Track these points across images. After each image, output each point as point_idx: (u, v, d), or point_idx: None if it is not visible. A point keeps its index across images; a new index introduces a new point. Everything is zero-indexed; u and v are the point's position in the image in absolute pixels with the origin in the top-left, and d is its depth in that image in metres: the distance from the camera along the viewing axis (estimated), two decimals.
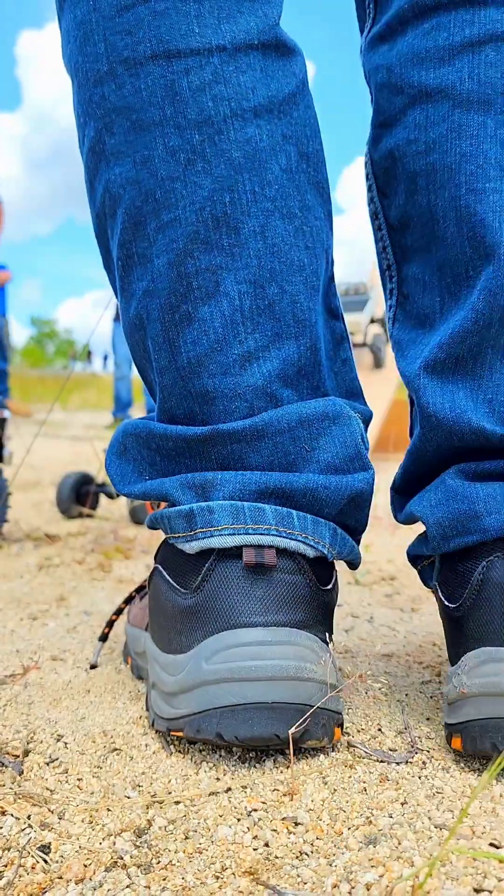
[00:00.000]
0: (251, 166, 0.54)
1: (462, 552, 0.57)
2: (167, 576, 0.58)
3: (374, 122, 0.63)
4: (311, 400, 0.58)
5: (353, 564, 0.63)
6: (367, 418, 0.63)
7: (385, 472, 2.85)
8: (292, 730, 0.48)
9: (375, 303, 3.31)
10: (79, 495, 1.82)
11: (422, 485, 0.63)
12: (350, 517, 0.60)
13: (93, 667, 0.74)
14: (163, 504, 0.62)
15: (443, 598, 0.59)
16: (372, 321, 3.29)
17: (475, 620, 0.53)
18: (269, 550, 0.53)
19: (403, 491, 0.68)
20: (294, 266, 0.57)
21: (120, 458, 0.63)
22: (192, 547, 0.55)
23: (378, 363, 3.26)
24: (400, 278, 0.65)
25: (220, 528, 0.54)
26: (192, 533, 0.55)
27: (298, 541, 0.54)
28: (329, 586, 0.58)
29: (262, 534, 0.53)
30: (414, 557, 0.68)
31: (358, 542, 0.63)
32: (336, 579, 0.60)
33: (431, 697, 0.67)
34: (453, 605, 0.56)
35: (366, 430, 0.62)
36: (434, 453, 0.61)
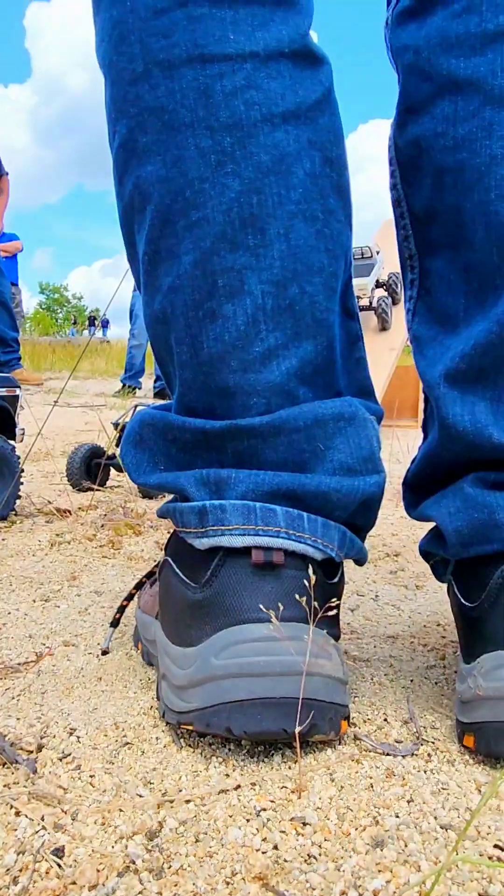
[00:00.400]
0: (278, 170, 0.55)
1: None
2: (177, 569, 0.59)
3: (401, 106, 0.61)
4: (327, 400, 0.58)
5: (360, 562, 0.64)
6: (379, 417, 0.63)
7: (388, 438, 2.85)
8: (298, 728, 0.49)
9: (381, 266, 3.33)
10: (89, 468, 1.83)
11: (436, 485, 0.63)
12: (360, 517, 0.60)
13: (104, 653, 0.75)
14: None
15: (458, 595, 0.60)
16: (378, 284, 3.31)
17: (493, 623, 0.54)
18: (278, 552, 0.54)
19: (416, 488, 0.68)
20: (314, 268, 0.57)
21: (136, 447, 0.64)
22: (202, 543, 0.56)
23: (384, 326, 3.28)
24: (422, 270, 0.64)
25: (231, 527, 0.54)
26: (203, 530, 0.56)
27: (307, 544, 0.55)
28: (335, 580, 0.58)
29: (271, 536, 0.54)
30: (426, 553, 0.68)
31: (364, 538, 0.63)
32: (342, 572, 0.60)
33: (436, 684, 0.68)
34: (470, 605, 0.57)
35: (378, 427, 0.62)
36: (451, 460, 0.61)
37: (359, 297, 3.25)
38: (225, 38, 0.53)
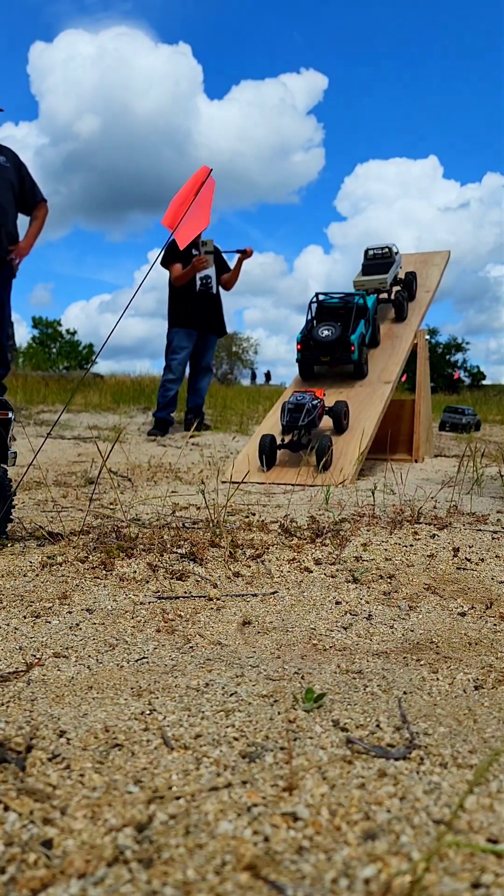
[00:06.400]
0: None
1: None
2: None
3: None
4: None
5: None
6: None
7: (383, 470, 2.85)
8: None
9: (398, 265, 3.70)
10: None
11: None
12: None
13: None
14: None
15: None
16: (395, 281, 3.67)
17: None
18: None
19: None
20: None
21: None
22: None
23: (400, 317, 3.59)
24: None
25: None
26: None
27: None
28: None
29: None
30: None
31: None
32: None
33: (429, 694, 0.67)
34: None
35: None
36: None
37: (378, 291, 3.58)
38: None
